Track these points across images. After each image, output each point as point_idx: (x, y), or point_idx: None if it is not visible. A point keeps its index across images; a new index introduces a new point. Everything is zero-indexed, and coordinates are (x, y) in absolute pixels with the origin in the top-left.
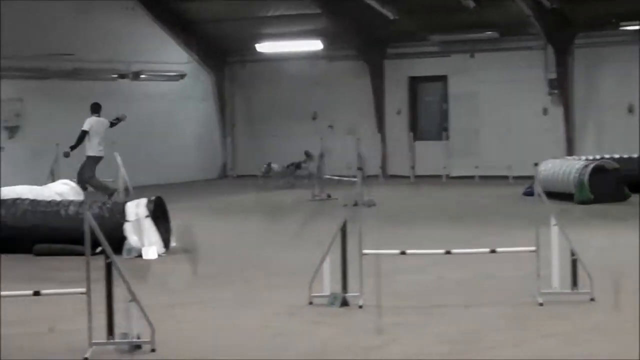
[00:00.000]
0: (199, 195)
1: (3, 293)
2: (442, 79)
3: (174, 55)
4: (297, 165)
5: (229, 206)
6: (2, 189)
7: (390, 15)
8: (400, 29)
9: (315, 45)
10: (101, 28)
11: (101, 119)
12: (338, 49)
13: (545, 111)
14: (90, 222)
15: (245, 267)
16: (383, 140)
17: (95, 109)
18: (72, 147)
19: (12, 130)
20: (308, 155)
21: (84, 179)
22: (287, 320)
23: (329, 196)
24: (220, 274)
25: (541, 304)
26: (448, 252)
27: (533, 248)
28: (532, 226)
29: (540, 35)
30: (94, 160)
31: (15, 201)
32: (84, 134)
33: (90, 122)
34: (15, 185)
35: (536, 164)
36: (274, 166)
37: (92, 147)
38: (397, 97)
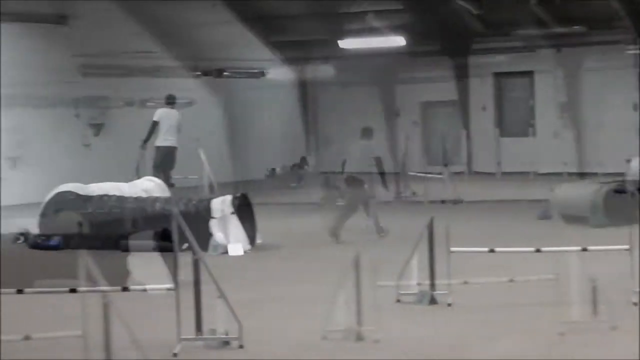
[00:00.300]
0: (284, 192)
1: (94, 289)
2: (528, 74)
3: (256, 52)
4: (300, 166)
5: (315, 203)
6: (89, 185)
7: (474, 10)
8: (484, 24)
9: (398, 41)
10: (184, 25)
11: (172, 110)
12: (421, 45)
13: (635, 107)
14: (177, 219)
15: (330, 263)
16: (468, 136)
17: (169, 100)
18: (144, 140)
19: (97, 128)
20: (303, 159)
21: (165, 173)
22: (374, 318)
23: (413, 193)
24: (306, 270)
25: (635, 304)
26: (538, 250)
27: (627, 246)
28: (624, 224)
29: (630, 29)
30: (161, 151)
31: (102, 198)
32: (153, 125)
33: (159, 113)
34: (102, 182)
35: (628, 161)
36: (277, 169)
37: (158, 138)
38: (481, 93)
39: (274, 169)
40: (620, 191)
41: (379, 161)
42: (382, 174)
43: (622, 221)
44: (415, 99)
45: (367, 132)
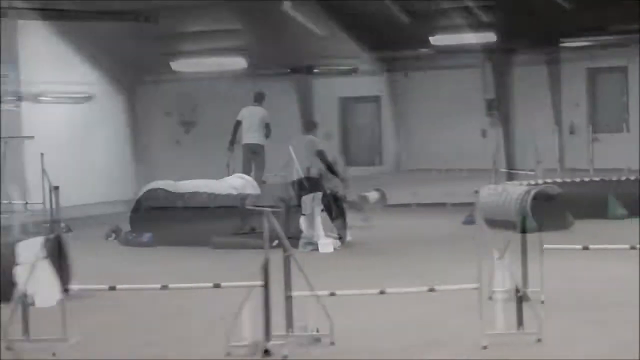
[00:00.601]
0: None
1: (185, 285)
2: (622, 70)
3: (345, 50)
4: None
5: (407, 199)
6: (180, 182)
7: (566, 5)
8: (576, 20)
9: (489, 37)
10: (275, 25)
11: (256, 108)
12: (512, 42)
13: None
14: (268, 215)
15: (420, 261)
16: (560, 133)
17: (257, 98)
18: (230, 142)
19: (188, 125)
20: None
21: (255, 170)
22: (466, 315)
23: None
24: (396, 268)
25: None
26: (633, 248)
27: None
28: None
29: None
30: (247, 148)
31: (192, 195)
32: (235, 125)
33: (242, 112)
34: (192, 179)
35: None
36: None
37: (243, 136)
38: (574, 89)
39: (308, 168)
40: (547, 194)
41: (322, 155)
42: (329, 167)
43: (550, 226)
44: (333, 94)
45: (309, 126)
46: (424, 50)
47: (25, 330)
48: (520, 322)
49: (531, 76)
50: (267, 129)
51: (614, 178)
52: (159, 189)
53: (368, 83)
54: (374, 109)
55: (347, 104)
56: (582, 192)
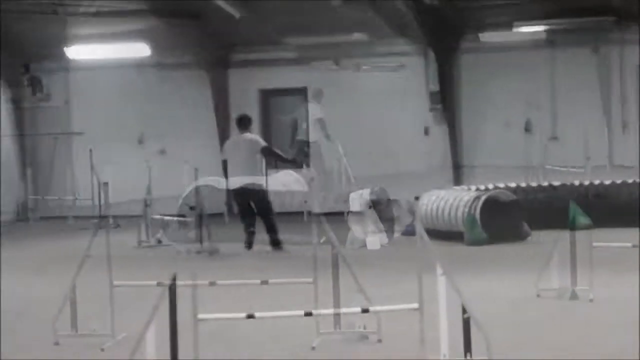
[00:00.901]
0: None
1: (233, 282)
2: None
3: (394, 46)
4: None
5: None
6: (230, 179)
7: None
8: (627, 14)
9: (538, 34)
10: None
11: (311, 104)
12: (563, 35)
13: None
14: (317, 218)
15: (468, 258)
16: (609, 128)
17: (315, 94)
18: (291, 138)
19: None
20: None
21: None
22: (516, 313)
23: (553, 189)
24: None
25: None
26: None
27: None
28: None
29: None
30: (298, 145)
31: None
32: (292, 123)
33: (298, 110)
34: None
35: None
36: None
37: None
38: (625, 85)
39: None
40: (499, 201)
41: (269, 151)
42: (283, 159)
43: (502, 237)
44: (252, 86)
45: (245, 123)
46: (358, 35)
47: (73, 325)
48: (467, 348)
49: (477, 65)
50: (320, 124)
51: (576, 182)
52: (206, 185)
53: (292, 73)
54: (299, 103)
55: (268, 97)
56: (540, 199)
